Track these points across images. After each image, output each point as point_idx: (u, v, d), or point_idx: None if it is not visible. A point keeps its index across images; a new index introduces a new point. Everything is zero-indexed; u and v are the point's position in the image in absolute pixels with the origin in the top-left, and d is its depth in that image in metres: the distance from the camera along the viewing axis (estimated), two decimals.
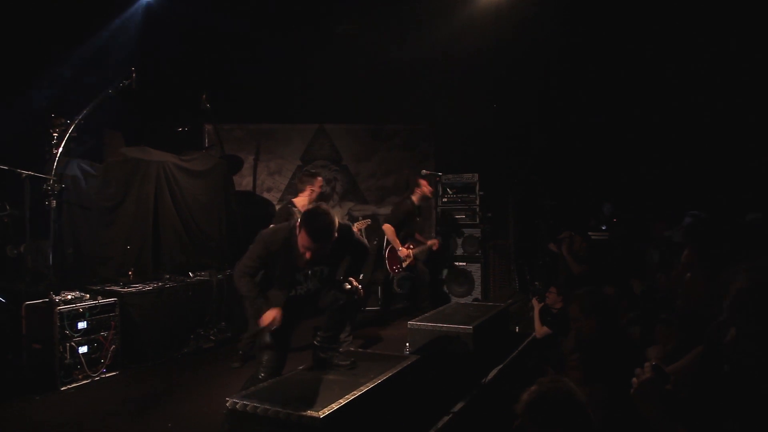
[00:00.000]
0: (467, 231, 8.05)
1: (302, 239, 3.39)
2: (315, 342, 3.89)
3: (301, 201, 5.60)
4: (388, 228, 6.55)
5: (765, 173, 6.83)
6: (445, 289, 8.05)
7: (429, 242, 6.96)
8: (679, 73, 7.68)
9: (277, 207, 8.28)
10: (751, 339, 1.58)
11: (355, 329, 6.30)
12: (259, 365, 3.67)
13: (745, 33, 6.89)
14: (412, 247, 6.71)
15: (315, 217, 3.40)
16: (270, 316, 3.48)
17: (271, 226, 5.39)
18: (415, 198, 6.76)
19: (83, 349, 4.81)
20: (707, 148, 7.69)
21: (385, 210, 8.48)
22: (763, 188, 7.05)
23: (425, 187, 6.80)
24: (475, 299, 7.72)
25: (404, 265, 6.64)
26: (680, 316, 3.09)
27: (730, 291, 1.64)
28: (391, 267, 6.62)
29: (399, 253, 6.56)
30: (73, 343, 4.74)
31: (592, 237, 6.37)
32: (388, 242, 6.59)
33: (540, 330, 4.94)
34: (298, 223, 3.47)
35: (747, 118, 7.42)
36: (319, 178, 5.73)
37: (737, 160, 7.61)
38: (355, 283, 3.74)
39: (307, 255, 3.42)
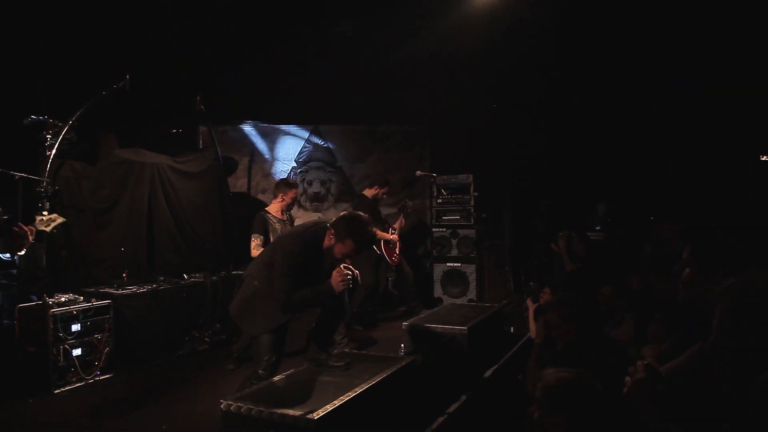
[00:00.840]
0: (462, 232, 8.05)
1: (346, 248, 3.48)
2: (309, 343, 3.88)
3: (274, 208, 5.66)
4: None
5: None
6: (440, 290, 8.03)
7: (396, 224, 7.17)
8: (676, 72, 7.71)
9: None
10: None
11: (372, 325, 6.41)
12: (260, 362, 3.66)
13: (744, 32, 6.93)
14: (394, 229, 7.05)
15: (363, 228, 3.50)
16: (340, 278, 3.46)
17: (254, 235, 5.43)
18: (368, 193, 6.88)
19: (77, 352, 4.79)
20: (705, 148, 7.72)
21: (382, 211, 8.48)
22: (762, 188, 7.09)
23: (382, 193, 6.94)
24: (470, 300, 7.72)
25: (397, 250, 6.96)
26: (678, 314, 3.08)
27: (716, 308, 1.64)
28: (390, 258, 6.87)
29: (392, 239, 6.89)
30: (66, 346, 4.72)
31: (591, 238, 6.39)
32: (377, 242, 6.73)
33: (535, 331, 4.93)
34: (332, 231, 3.51)
35: (745, 118, 7.46)
36: (294, 190, 5.81)
37: (736, 161, 7.65)
38: (354, 270, 3.73)
39: (347, 261, 3.53)
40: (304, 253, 3.55)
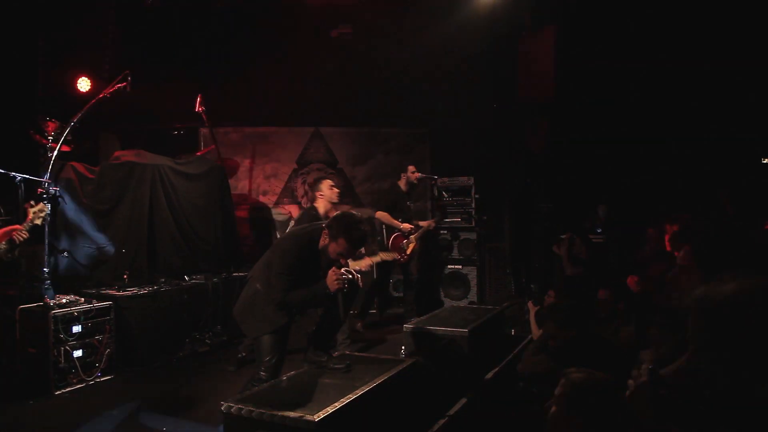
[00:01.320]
0: (463, 234, 8.04)
1: (340, 247, 3.48)
2: (310, 345, 3.88)
3: (320, 207, 5.52)
4: (382, 215, 6.55)
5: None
6: (442, 294, 8.03)
7: (424, 223, 7.00)
8: (675, 74, 7.71)
9: (273, 210, 8.29)
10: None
11: (373, 326, 6.39)
12: (261, 363, 3.66)
13: (744, 31, 6.93)
14: (419, 226, 6.85)
15: (355, 227, 3.49)
16: (335, 278, 3.46)
17: (291, 228, 5.38)
18: (401, 183, 6.81)
19: (78, 353, 4.78)
20: (704, 149, 7.72)
21: None
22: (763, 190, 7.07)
23: (411, 174, 6.84)
24: (471, 302, 7.71)
25: (409, 250, 6.66)
26: (675, 318, 3.08)
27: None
28: (396, 251, 6.65)
29: (402, 227, 6.60)
30: (67, 347, 4.71)
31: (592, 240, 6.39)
32: (389, 232, 6.58)
33: (536, 333, 4.93)
34: (327, 231, 3.53)
35: (744, 118, 7.46)
36: (325, 181, 5.61)
37: (735, 162, 7.65)
38: (356, 274, 3.73)
39: (342, 261, 3.55)
40: (299, 252, 3.58)
